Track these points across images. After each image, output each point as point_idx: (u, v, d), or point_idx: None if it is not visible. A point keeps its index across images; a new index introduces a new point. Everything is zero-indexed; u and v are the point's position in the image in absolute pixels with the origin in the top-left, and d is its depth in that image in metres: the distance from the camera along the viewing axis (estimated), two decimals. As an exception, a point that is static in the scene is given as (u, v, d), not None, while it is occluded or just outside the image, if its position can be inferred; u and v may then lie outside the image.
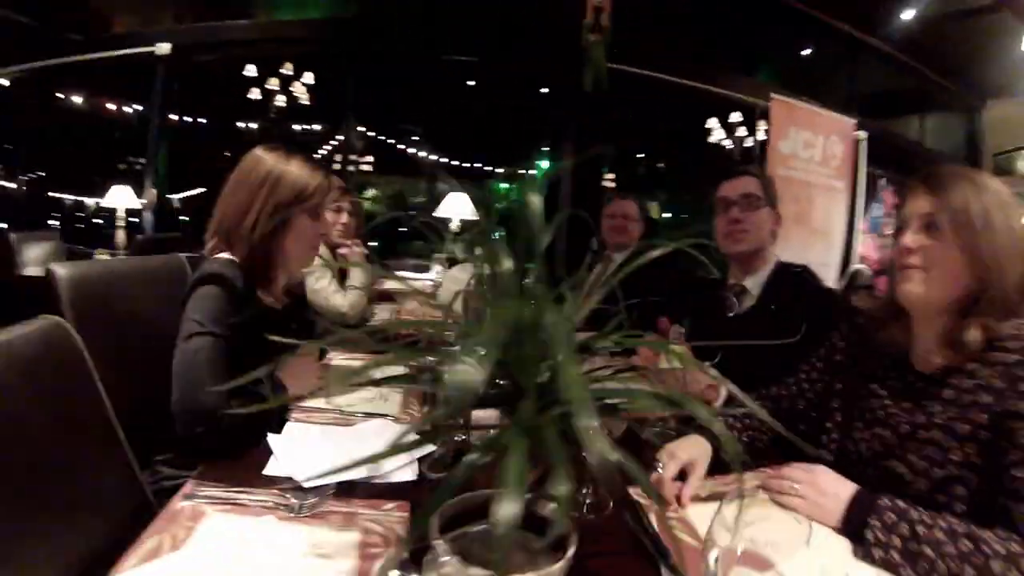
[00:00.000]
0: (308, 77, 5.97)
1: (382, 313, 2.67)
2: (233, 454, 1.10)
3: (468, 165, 9.55)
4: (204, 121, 7.30)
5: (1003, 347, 0.96)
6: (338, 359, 1.81)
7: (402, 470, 1.06)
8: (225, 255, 1.39)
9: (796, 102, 5.00)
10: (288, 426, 1.23)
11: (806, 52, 6.96)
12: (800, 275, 1.95)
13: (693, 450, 1.11)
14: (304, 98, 5.96)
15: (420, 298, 2.51)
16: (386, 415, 1.36)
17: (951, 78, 6.98)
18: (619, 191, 3.26)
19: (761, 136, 8.69)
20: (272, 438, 1.14)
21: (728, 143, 8.86)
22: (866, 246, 6.29)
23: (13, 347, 0.89)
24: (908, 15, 6.07)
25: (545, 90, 7.58)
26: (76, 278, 1.38)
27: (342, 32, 5.79)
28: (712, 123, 8.91)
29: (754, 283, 1.93)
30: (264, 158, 1.42)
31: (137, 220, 4.91)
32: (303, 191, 1.41)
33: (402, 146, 8.86)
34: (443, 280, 2.52)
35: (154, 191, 4.91)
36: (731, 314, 1.94)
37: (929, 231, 1.03)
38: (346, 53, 5.96)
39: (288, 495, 0.95)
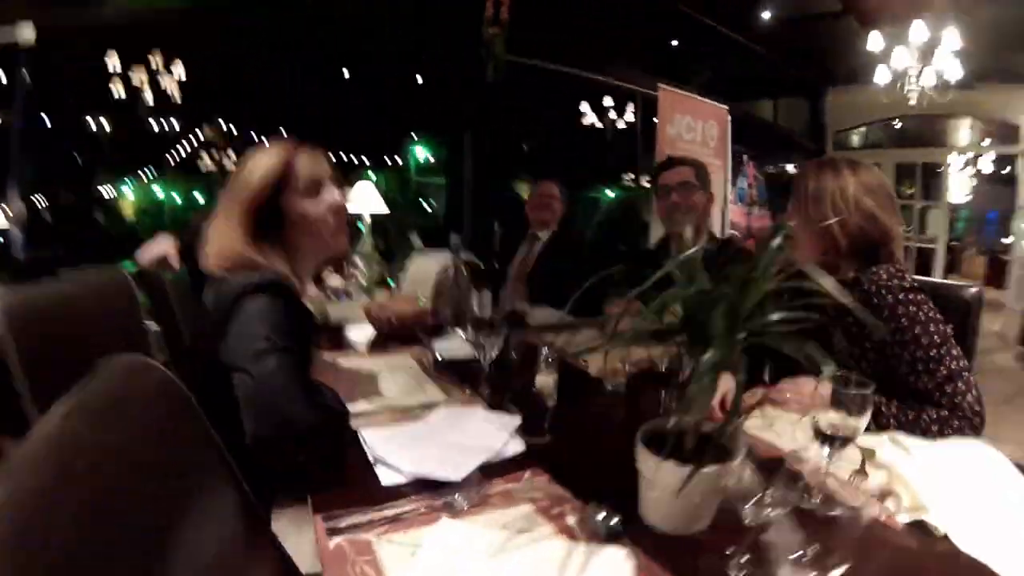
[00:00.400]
0: (178, 70, 5.56)
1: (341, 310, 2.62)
2: (336, 472, 1.07)
3: (335, 159, 9.35)
4: (46, 118, 6.54)
5: (853, 292, 1.37)
6: (344, 362, 1.77)
7: (511, 445, 1.16)
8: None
9: (680, 91, 5.42)
10: (366, 433, 1.19)
11: (674, 43, 7.49)
12: (729, 242, 2.41)
13: (726, 383, 1.39)
14: (176, 95, 5.55)
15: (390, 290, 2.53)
16: (446, 402, 1.42)
17: (800, 68, 7.92)
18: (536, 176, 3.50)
19: (629, 117, 9.33)
20: (373, 448, 1.12)
21: (599, 124, 9.40)
22: (735, 214, 6.96)
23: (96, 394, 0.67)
24: (766, 15, 6.82)
25: (420, 80, 7.57)
26: (14, 305, 1.23)
27: (209, 20, 5.41)
28: (584, 107, 9.41)
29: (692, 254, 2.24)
30: (243, 158, 1.31)
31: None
32: (271, 176, 1.25)
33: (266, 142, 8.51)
34: (410, 269, 2.54)
35: (22, 204, 4.37)
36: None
37: (792, 215, 1.51)
38: (213, 42, 5.60)
39: (438, 497, 0.95)
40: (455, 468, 1.02)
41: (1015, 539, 0.92)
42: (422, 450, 1.10)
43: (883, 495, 1.02)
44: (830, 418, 0.98)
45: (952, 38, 5.50)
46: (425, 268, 2.46)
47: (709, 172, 2.47)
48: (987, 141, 8.57)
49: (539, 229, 3.37)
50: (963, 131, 8.73)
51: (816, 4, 6.59)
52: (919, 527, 0.93)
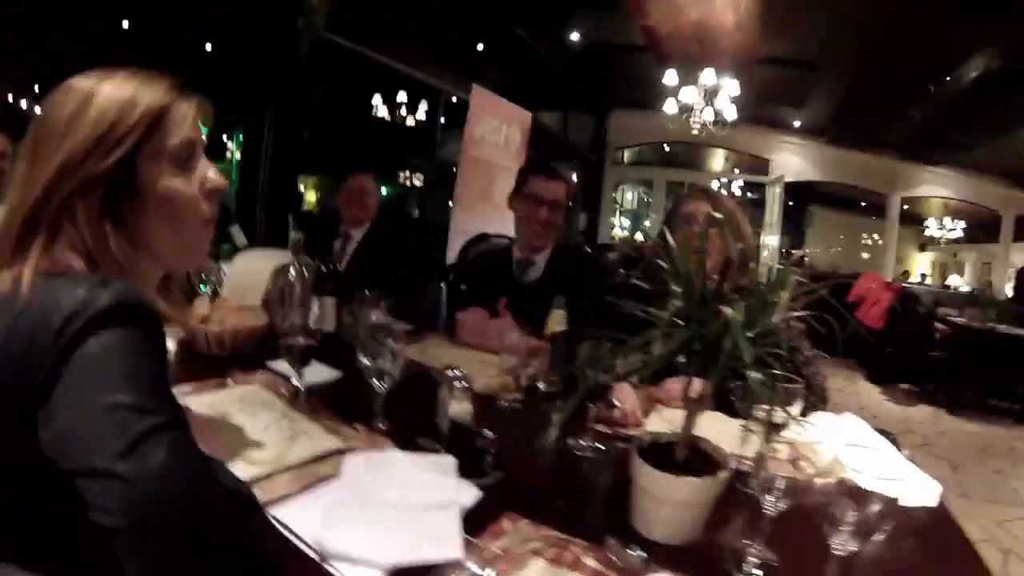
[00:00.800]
0: None
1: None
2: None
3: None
4: None
5: None
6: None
7: (467, 494, 0.97)
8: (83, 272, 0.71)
9: (491, 93, 5.42)
10: (283, 516, 0.87)
11: (479, 47, 7.51)
12: (578, 251, 2.48)
13: (631, 392, 1.46)
14: None
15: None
16: (346, 448, 1.14)
17: (593, 87, 8.55)
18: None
19: (421, 115, 9.22)
20: (316, 540, 0.81)
21: (387, 117, 9.14)
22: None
23: None
24: (574, 35, 7.27)
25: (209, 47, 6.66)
26: None
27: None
28: (376, 99, 9.08)
29: (541, 259, 2.27)
30: (70, 87, 0.78)
31: None
32: (135, 124, 0.76)
33: (20, 101, 6.92)
34: (233, 270, 2.12)
35: None
36: (526, 282, 2.27)
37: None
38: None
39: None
40: (446, 542, 0.80)
41: (899, 476, 1.17)
42: (380, 525, 0.85)
43: (794, 461, 1.12)
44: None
45: (733, 85, 6.68)
46: (254, 270, 2.08)
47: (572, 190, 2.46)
48: (736, 170, 10.07)
49: (352, 227, 3.16)
50: (719, 159, 10.09)
51: (621, 36, 7.14)
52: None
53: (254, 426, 1.20)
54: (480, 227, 2.56)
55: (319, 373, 1.55)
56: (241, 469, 1.00)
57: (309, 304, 1.91)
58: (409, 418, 1.27)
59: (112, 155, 0.74)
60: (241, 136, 6.81)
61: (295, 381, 1.40)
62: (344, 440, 1.17)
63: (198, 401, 1.31)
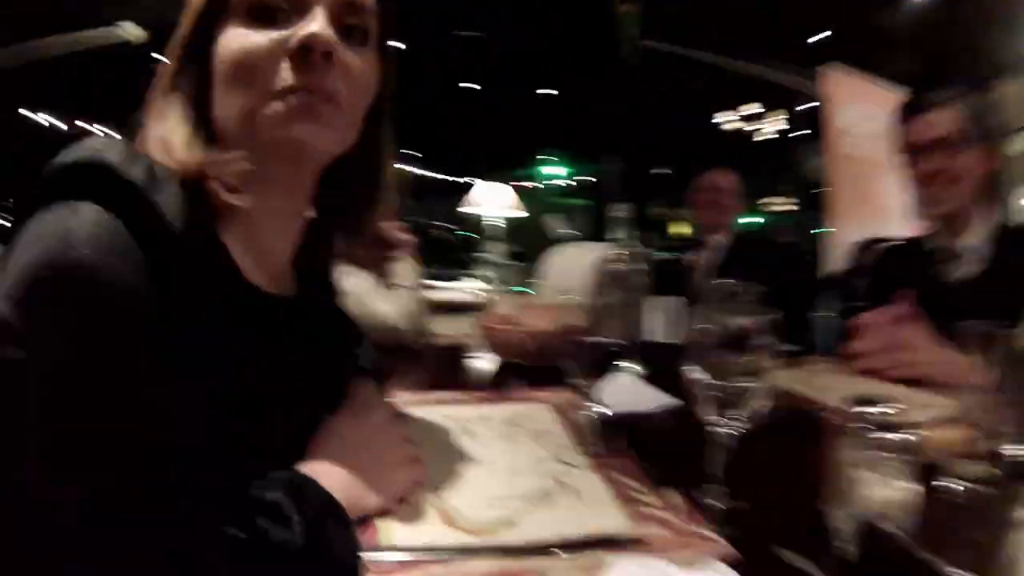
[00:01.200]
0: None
1: (445, 326, 1.71)
2: None
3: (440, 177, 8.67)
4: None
5: None
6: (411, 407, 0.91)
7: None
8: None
9: (850, 73, 4.35)
10: None
11: (820, 37, 6.32)
12: None
13: None
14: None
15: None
16: (628, 539, 0.57)
17: (958, 58, 6.57)
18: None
19: (781, 125, 8.15)
20: None
21: (742, 127, 8.27)
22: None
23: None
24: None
25: (549, 92, 6.87)
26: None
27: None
28: (723, 116, 8.35)
29: (970, 245, 1.40)
30: None
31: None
32: None
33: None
34: (552, 264, 1.78)
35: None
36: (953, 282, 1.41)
37: None
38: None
39: None
40: None
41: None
42: None
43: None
44: None
45: None
46: (574, 263, 1.69)
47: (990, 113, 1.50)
48: None
49: (708, 233, 2.46)
50: None
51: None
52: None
53: (503, 462, 0.74)
54: (862, 237, 1.86)
55: (641, 398, 1.05)
56: (425, 527, 0.56)
57: (641, 304, 1.43)
58: (768, 500, 0.66)
59: (188, 16, 0.58)
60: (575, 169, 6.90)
61: (593, 406, 0.89)
62: (631, 523, 0.60)
63: (440, 412, 0.91)
